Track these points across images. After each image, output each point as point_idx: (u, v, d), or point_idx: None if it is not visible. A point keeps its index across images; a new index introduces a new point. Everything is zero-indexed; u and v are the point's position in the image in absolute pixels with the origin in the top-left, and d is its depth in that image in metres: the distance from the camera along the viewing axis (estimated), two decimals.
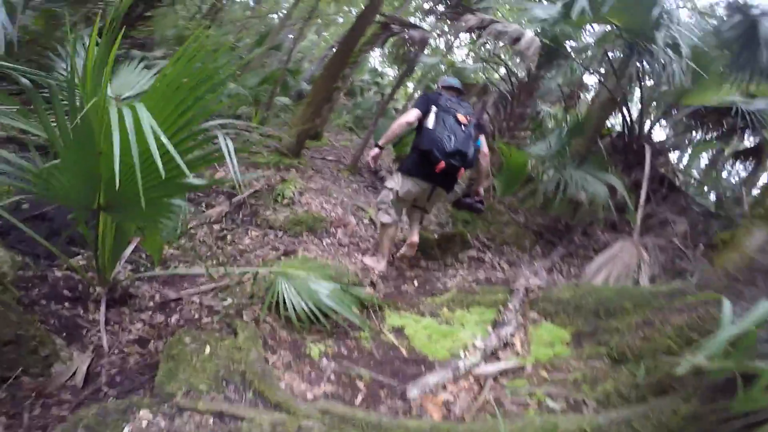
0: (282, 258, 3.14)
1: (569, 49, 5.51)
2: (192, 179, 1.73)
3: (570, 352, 1.99)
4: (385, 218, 3.04)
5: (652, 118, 5.50)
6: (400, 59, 5.93)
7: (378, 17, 5.58)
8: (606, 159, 4.33)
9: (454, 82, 3.20)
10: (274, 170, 5.09)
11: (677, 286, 1.98)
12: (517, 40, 3.70)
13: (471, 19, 3.79)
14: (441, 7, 4.92)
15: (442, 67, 6.94)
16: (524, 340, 2.16)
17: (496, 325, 2.32)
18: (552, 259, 3.35)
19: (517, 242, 3.65)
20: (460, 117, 2.83)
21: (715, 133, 5.34)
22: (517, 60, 5.57)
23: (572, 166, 3.86)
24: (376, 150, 3.07)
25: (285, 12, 11.42)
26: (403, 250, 3.23)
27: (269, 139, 6.70)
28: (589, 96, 6.65)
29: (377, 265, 3.08)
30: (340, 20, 15.27)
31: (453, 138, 2.73)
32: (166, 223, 1.92)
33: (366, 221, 4.20)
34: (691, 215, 4.00)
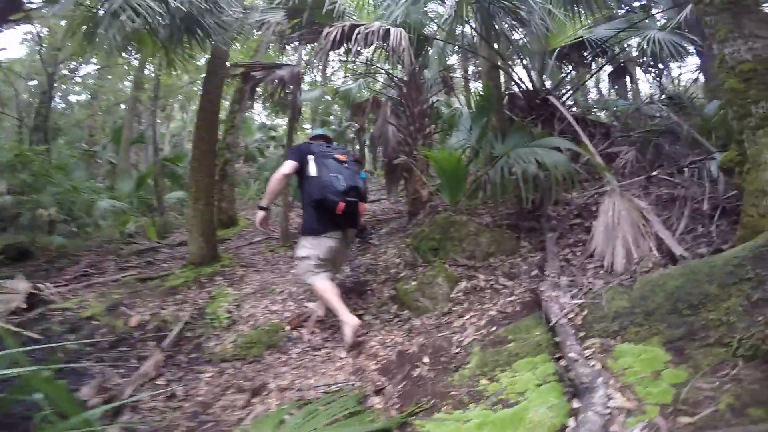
0: (253, 402, 2.30)
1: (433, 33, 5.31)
2: None
3: (685, 372, 1.46)
4: (320, 282, 2.84)
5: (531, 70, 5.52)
6: (280, 105, 5.26)
7: (234, 69, 4.87)
8: (522, 124, 4.09)
9: (321, 131, 3.36)
10: (196, 288, 4.06)
11: (761, 242, 1.57)
12: (386, 35, 3.27)
13: (332, 32, 3.27)
14: (295, 35, 4.36)
15: (327, 97, 6.40)
16: (615, 383, 1.59)
17: (563, 378, 1.73)
18: (549, 249, 2.89)
19: (500, 247, 3.15)
20: (339, 156, 2.88)
21: (582, 68, 5.53)
22: (394, 60, 5.23)
23: (507, 143, 3.55)
24: (261, 213, 2.98)
25: (128, 101, 10.12)
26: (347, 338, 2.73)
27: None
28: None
29: (351, 321, 2.70)
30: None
31: (341, 177, 2.74)
32: None
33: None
34: (641, 144, 3.89)
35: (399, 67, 5.09)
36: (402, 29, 3.22)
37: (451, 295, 2.86)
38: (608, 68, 6.12)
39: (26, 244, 5.90)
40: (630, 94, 7.23)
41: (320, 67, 3.82)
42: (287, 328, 3.06)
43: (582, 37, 4.59)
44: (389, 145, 5.72)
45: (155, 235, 6.51)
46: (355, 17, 4.42)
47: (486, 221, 3.46)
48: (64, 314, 3.31)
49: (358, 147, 8.27)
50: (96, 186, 6.97)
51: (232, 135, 6.90)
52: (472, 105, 4.23)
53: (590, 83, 9.68)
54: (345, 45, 3.45)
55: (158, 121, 14.42)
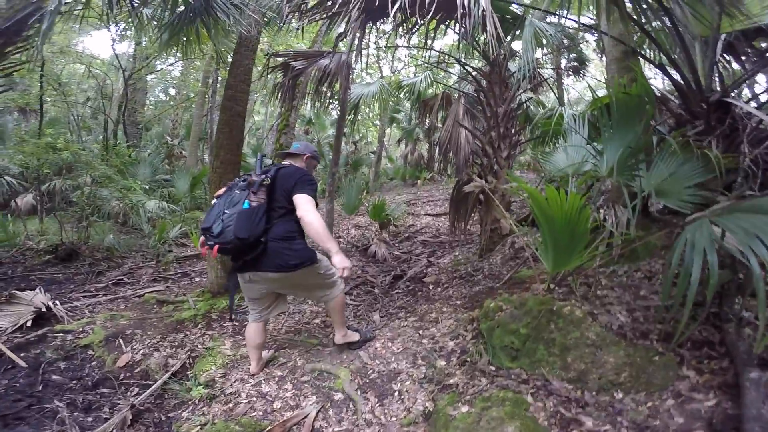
0: None
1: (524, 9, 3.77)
2: None
3: None
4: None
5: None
6: (325, 98, 4.24)
7: (270, 59, 3.94)
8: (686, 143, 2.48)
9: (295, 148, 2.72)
10: (202, 326, 3.52)
11: None
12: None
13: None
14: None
15: (386, 90, 5.23)
16: None
17: None
18: (749, 399, 1.44)
19: (639, 375, 1.73)
20: (217, 193, 2.48)
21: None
22: (478, 42, 3.81)
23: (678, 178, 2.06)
24: (341, 257, 2.36)
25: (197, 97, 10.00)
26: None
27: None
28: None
29: (252, 368, 2.61)
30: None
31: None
32: None
33: (339, 396, 2.32)
34: None
35: (476, 54, 3.72)
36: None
37: None
38: None
39: (75, 245, 5.75)
40: None
41: (351, 42, 2.60)
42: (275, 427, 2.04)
43: None
44: (461, 154, 4.41)
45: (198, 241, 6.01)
46: None
47: (619, 321, 2.02)
48: (65, 338, 3.21)
49: (427, 148, 7.10)
50: (142, 185, 6.68)
51: (286, 135, 6.11)
52: (601, 106, 2.68)
53: None
54: (385, 17, 2.23)
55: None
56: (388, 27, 3.29)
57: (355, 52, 2.88)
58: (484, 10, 1.89)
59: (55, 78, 8.32)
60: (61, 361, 2.90)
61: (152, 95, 14.69)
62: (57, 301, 3.81)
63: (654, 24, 2.65)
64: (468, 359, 2.19)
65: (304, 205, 2.28)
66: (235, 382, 2.59)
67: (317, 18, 2.65)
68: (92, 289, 4.73)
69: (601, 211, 2.69)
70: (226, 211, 2.27)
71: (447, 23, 2.73)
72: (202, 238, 2.31)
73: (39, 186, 6.84)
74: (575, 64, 7.28)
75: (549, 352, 1.93)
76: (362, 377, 2.39)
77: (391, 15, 1.89)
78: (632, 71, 2.71)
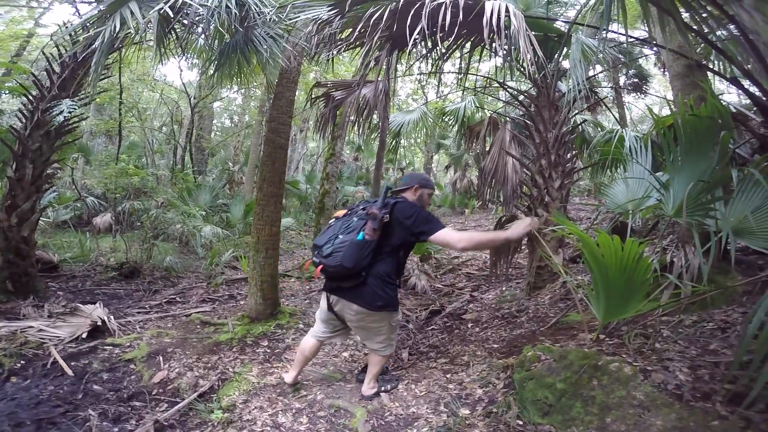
0: None
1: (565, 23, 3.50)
2: None
3: None
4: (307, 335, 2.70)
5: None
6: (365, 126, 4.24)
7: (313, 89, 4.04)
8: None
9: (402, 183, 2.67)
10: (237, 350, 3.54)
11: None
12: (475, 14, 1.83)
13: (376, 12, 1.98)
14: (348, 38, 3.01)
15: (429, 116, 5.14)
16: None
17: None
18: None
19: None
20: (338, 213, 2.54)
21: None
22: (522, 64, 3.61)
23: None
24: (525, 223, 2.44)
25: (255, 124, 10.63)
26: None
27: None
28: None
29: (287, 378, 2.71)
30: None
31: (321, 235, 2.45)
32: None
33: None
34: None
35: (524, 77, 3.52)
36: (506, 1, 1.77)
37: None
38: None
39: (138, 264, 6.19)
40: None
41: (379, 71, 2.55)
42: None
43: None
44: (508, 184, 4.16)
45: (247, 266, 6.21)
46: None
47: (677, 380, 1.66)
48: (113, 351, 3.39)
49: (476, 175, 6.85)
50: (201, 211, 7.09)
51: (332, 164, 6.21)
52: (665, 129, 2.32)
53: None
54: (415, 38, 2.13)
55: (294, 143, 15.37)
56: (434, 53, 3.23)
57: (384, 79, 2.84)
58: (516, 28, 1.73)
59: (133, 104, 9.31)
60: (105, 372, 3.06)
61: (219, 121, 15.92)
62: (112, 316, 4.05)
63: (719, 33, 2.31)
64: (494, 410, 1.92)
65: (449, 241, 2.21)
66: (253, 409, 2.55)
67: (344, 48, 2.66)
68: (147, 306, 5.01)
69: (668, 252, 2.33)
70: (339, 236, 2.32)
71: (483, 45, 2.59)
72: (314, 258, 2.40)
73: (115, 207, 7.56)
74: (635, 80, 6.74)
75: (586, 411, 1.63)
76: (378, 419, 2.22)
77: (410, 42, 1.80)
78: (699, 88, 2.37)
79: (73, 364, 3.07)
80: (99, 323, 3.76)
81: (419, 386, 2.50)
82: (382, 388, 2.54)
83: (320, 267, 2.31)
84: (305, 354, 2.66)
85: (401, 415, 2.23)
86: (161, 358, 3.30)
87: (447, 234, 2.22)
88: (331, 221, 2.50)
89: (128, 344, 3.52)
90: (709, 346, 1.84)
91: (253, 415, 2.49)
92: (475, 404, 2.10)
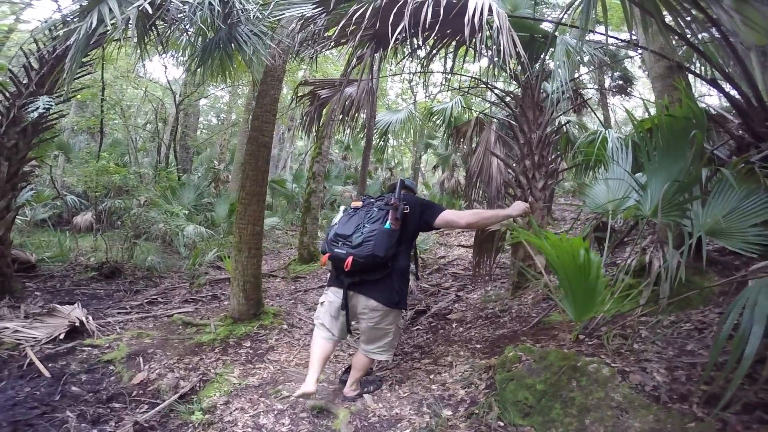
0: None
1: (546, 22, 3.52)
2: None
3: None
4: (315, 333, 2.55)
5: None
6: (352, 125, 4.21)
7: (300, 87, 4.00)
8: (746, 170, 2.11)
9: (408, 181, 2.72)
10: (219, 351, 3.49)
11: None
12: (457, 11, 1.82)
13: (359, 9, 1.97)
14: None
15: (416, 116, 5.13)
16: None
17: None
18: None
19: None
20: (355, 203, 2.51)
21: None
22: (507, 64, 3.62)
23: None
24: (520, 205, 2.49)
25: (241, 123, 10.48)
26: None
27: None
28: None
29: (305, 387, 2.32)
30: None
31: (336, 225, 2.42)
32: None
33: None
34: None
35: (509, 78, 3.53)
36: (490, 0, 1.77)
37: None
38: None
39: (119, 264, 6.06)
40: None
41: (362, 70, 2.59)
42: None
43: None
44: (493, 184, 4.17)
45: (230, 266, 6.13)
46: None
47: (654, 381, 1.68)
48: (91, 352, 3.32)
49: (464, 175, 6.87)
50: (184, 210, 6.98)
51: (318, 163, 6.16)
52: (643, 131, 2.35)
53: None
54: (397, 36, 2.11)
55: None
56: (420, 52, 3.22)
57: (368, 78, 2.82)
58: (499, 26, 1.73)
59: (116, 101, 9.11)
60: (83, 373, 3.00)
61: (205, 119, 15.69)
62: (90, 317, 3.95)
63: (701, 35, 2.35)
64: (476, 411, 1.92)
65: (453, 219, 2.35)
66: (234, 410, 2.53)
67: (329, 47, 2.63)
68: (127, 307, 4.90)
69: (648, 252, 2.36)
70: (366, 225, 2.31)
71: (468, 45, 2.59)
72: (325, 246, 2.36)
73: (96, 205, 7.39)
74: (620, 82, 6.84)
75: (565, 412, 1.64)
76: (361, 420, 2.20)
77: (392, 40, 1.78)
78: (678, 89, 2.41)
79: (50, 365, 3.00)
80: (77, 324, 3.68)
81: (403, 387, 2.49)
82: (366, 389, 2.53)
83: (350, 259, 2.23)
84: (320, 351, 2.49)
85: (384, 416, 2.22)
86: (141, 359, 3.24)
87: (450, 213, 2.36)
88: (346, 212, 2.48)
89: (107, 345, 3.44)
90: (686, 346, 1.86)
91: (235, 416, 2.47)
92: (457, 405, 2.10)
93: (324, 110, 4.19)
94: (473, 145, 5.41)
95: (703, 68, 3.31)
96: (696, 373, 1.69)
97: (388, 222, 2.26)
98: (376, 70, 2.81)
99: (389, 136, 4.95)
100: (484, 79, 3.93)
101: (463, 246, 6.77)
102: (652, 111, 3.42)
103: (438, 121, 5.57)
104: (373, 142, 4.60)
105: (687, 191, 2.07)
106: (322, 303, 2.58)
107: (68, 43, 2.64)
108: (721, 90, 2.48)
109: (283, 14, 2.62)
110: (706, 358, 1.75)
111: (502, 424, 1.80)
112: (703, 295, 2.21)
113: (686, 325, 2.02)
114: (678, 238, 2.06)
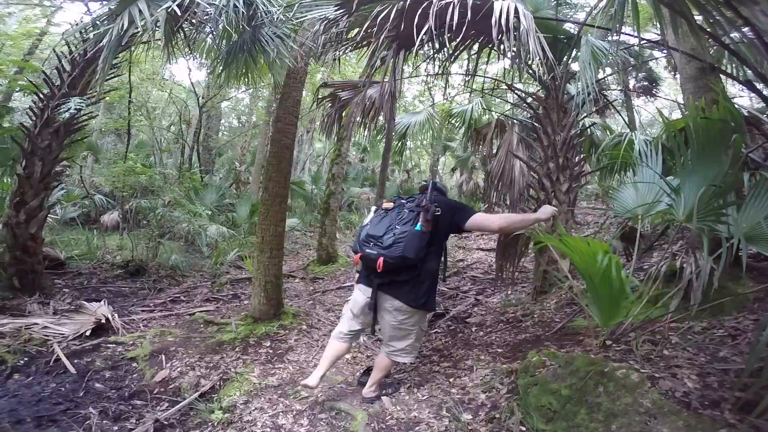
0: None
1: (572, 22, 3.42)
2: None
3: None
4: (333, 333, 2.59)
5: None
6: (371, 127, 4.22)
7: (319, 90, 4.04)
8: None
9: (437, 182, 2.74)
10: (239, 350, 3.52)
11: None
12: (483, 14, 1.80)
13: (383, 11, 1.97)
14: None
15: (436, 119, 5.12)
16: None
17: None
18: None
19: None
20: (386, 204, 2.52)
21: None
22: (531, 66, 3.57)
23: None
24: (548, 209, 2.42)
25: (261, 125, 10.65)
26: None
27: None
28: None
29: (309, 381, 2.45)
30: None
31: (368, 226, 2.45)
32: None
33: None
34: None
35: (531, 80, 3.48)
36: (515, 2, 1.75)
37: None
38: None
39: (143, 262, 6.22)
40: None
41: (384, 71, 2.60)
42: None
43: None
44: (515, 187, 4.11)
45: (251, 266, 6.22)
46: None
47: (685, 387, 1.62)
48: (116, 349, 3.38)
49: (483, 178, 6.83)
50: (207, 210, 7.12)
51: (338, 165, 6.20)
52: (675, 132, 2.26)
53: None
54: (422, 38, 2.10)
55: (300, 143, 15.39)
56: (441, 54, 3.21)
57: (390, 80, 2.82)
58: (525, 28, 1.71)
59: (142, 104, 9.37)
60: (107, 370, 3.06)
61: (226, 121, 16.00)
62: (116, 314, 4.06)
63: (732, 35, 2.27)
64: (497, 416, 1.89)
65: (485, 223, 2.32)
66: (254, 410, 2.54)
67: (351, 48, 2.65)
68: (151, 305, 5.01)
69: (678, 258, 2.28)
70: (397, 227, 2.32)
71: (491, 46, 2.57)
72: (357, 245, 2.38)
73: (122, 205, 7.62)
74: (645, 83, 6.66)
75: (591, 418, 1.60)
76: (379, 422, 2.20)
77: (417, 41, 1.78)
78: (712, 91, 2.32)
79: (75, 361, 3.08)
80: (103, 321, 3.78)
81: (421, 390, 2.47)
82: (384, 392, 2.52)
83: (381, 260, 2.24)
84: (333, 350, 2.56)
85: (402, 419, 2.20)
86: (164, 357, 3.29)
87: (481, 216, 2.33)
88: (377, 212, 2.49)
89: (131, 342, 3.52)
90: (719, 353, 1.79)
91: (254, 415, 2.49)
92: (477, 409, 2.07)
93: (344, 112, 4.21)
94: (493, 148, 5.36)
95: (735, 69, 3.20)
96: (729, 380, 1.63)
97: (419, 224, 2.27)
98: (398, 72, 2.82)
99: (407, 138, 4.95)
100: (505, 81, 3.88)
101: (482, 249, 6.69)
102: (677, 114, 3.32)
103: (457, 123, 5.54)
104: (393, 144, 4.61)
105: (724, 196, 1.99)
106: (347, 301, 2.61)
107: (100, 45, 2.73)
108: (755, 91, 2.39)
109: (306, 16, 2.65)
110: (740, 364, 1.68)
111: (524, 428, 1.77)
112: (736, 302, 2.13)
113: (719, 332, 1.95)
114: (711, 243, 1.98)
